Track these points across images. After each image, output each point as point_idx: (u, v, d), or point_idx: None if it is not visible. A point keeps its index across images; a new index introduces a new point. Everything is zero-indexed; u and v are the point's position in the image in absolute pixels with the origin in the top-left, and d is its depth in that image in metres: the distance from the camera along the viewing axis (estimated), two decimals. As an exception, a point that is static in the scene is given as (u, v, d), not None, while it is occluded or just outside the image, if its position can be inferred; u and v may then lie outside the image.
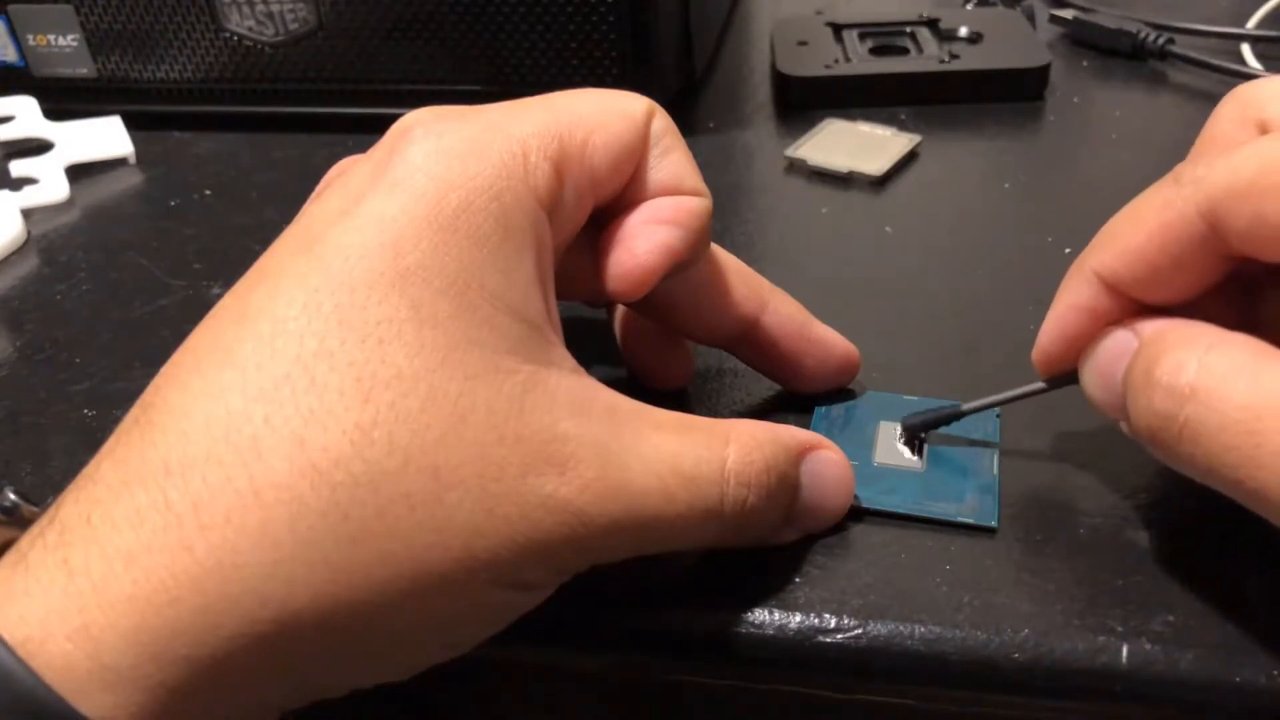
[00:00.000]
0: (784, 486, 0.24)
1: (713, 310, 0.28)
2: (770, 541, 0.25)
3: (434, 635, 0.21)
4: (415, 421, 0.20)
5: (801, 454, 0.25)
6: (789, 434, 0.25)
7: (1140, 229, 0.23)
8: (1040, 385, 0.26)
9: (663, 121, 0.25)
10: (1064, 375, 0.26)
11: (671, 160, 0.25)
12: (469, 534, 0.20)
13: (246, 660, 0.19)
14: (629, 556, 0.22)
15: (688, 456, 0.22)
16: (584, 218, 0.25)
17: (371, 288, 0.20)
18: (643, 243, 0.24)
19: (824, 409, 0.29)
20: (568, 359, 0.23)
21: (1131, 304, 0.24)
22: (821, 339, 0.29)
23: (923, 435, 0.28)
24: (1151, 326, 0.23)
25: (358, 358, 0.20)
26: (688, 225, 0.25)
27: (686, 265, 0.26)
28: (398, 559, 0.19)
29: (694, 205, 0.25)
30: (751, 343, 0.29)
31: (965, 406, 0.27)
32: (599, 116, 0.24)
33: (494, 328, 0.21)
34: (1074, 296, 0.25)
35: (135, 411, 0.21)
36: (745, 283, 0.28)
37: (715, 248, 0.28)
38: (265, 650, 0.19)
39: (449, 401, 0.20)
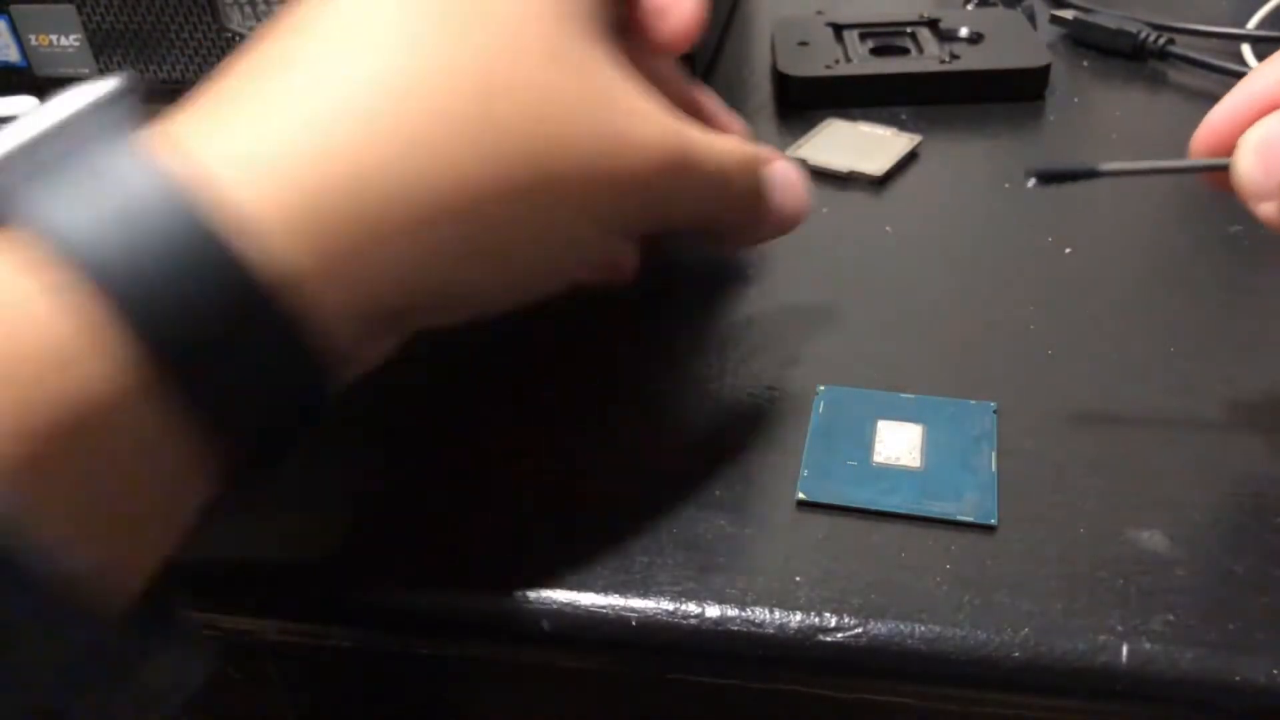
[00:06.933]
0: (757, 188, 0.29)
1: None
2: (749, 240, 0.30)
3: (530, 250, 0.23)
4: (533, 55, 0.23)
5: (765, 162, 0.29)
6: (756, 147, 0.29)
7: None
8: (1191, 163, 0.27)
9: None
10: (1218, 158, 0.26)
11: None
12: (579, 155, 0.23)
13: (392, 242, 0.21)
14: (648, 217, 0.26)
15: (704, 137, 0.26)
16: None
17: None
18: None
19: (822, 406, 0.29)
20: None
21: None
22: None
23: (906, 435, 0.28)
24: None
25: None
26: None
27: None
28: (529, 158, 0.22)
29: None
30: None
31: (1103, 167, 0.27)
32: None
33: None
34: (1260, 76, 0.25)
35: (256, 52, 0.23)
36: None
37: None
38: (409, 232, 0.21)
39: (549, 44, 0.23)
